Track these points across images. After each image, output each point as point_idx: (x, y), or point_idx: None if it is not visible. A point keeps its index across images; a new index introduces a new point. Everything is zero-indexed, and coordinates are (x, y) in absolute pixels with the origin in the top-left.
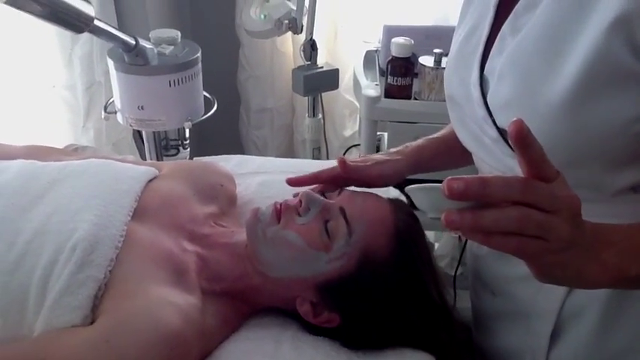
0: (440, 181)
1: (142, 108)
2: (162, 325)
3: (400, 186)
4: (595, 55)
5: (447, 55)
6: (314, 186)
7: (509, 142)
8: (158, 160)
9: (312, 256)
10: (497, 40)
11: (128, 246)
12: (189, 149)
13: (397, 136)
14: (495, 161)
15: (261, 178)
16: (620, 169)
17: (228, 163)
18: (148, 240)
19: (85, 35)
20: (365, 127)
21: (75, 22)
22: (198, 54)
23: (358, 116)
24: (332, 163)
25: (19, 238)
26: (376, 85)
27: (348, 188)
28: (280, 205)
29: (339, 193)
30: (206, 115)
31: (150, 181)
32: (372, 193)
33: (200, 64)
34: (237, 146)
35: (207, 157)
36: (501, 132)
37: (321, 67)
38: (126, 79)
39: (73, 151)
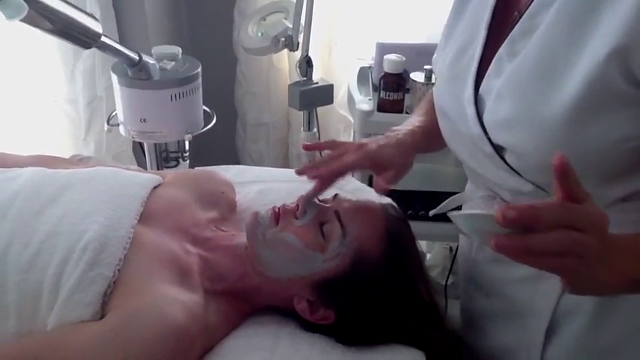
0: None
1: (144, 121)
2: (169, 320)
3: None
4: (591, 81)
5: None
6: (310, 191)
7: (554, 173)
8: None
9: (308, 257)
10: (494, 62)
11: (135, 247)
12: (188, 161)
13: None
14: (489, 173)
15: (259, 186)
16: (612, 182)
17: (227, 172)
18: (154, 242)
19: (88, 51)
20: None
21: (83, 39)
22: (199, 69)
23: (352, 131)
24: None
25: (33, 239)
26: (369, 99)
27: (342, 195)
28: (279, 209)
29: (333, 198)
30: (205, 128)
31: (155, 188)
32: (365, 199)
33: (200, 79)
34: (233, 159)
35: (207, 167)
36: (496, 148)
37: (317, 83)
38: (129, 92)
39: (79, 161)
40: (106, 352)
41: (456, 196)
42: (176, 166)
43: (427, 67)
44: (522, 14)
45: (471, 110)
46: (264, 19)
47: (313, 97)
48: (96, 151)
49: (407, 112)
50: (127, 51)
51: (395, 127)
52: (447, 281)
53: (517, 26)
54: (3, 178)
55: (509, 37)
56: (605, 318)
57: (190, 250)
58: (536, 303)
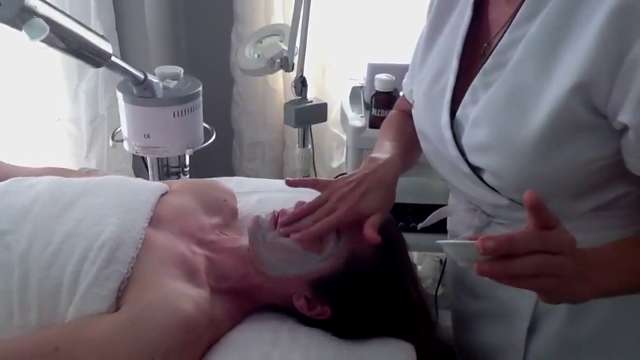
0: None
1: (148, 136)
2: (179, 312)
3: None
4: (558, 111)
5: None
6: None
7: (526, 207)
8: None
9: (306, 257)
10: (469, 92)
11: (146, 247)
12: (188, 175)
13: None
14: (468, 190)
15: (259, 196)
16: (582, 198)
17: (228, 183)
18: (163, 243)
19: (92, 71)
20: (352, 156)
21: (95, 58)
22: (200, 88)
23: (345, 149)
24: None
25: (53, 239)
26: (361, 117)
27: None
28: (278, 213)
29: None
30: (206, 144)
31: (162, 195)
32: None
33: (201, 98)
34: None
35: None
36: (473, 168)
37: (311, 102)
38: (133, 110)
39: (87, 173)
40: (123, 339)
41: (441, 209)
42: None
43: None
44: (493, 47)
45: (448, 135)
46: (261, 42)
47: (308, 114)
48: (97, 167)
49: None
50: (133, 70)
51: (374, 156)
52: (436, 292)
53: (489, 60)
54: (22, 186)
55: (482, 69)
56: (581, 314)
57: (197, 252)
58: (518, 303)
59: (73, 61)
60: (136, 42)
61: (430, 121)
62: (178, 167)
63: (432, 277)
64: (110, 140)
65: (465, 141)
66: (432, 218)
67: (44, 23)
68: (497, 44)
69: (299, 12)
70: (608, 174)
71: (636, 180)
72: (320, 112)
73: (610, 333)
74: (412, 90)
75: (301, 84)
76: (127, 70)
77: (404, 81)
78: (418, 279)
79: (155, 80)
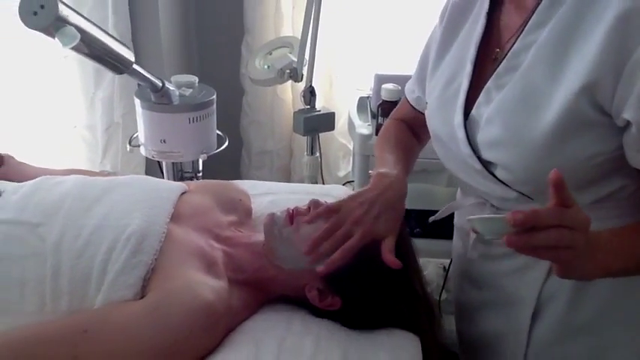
0: None
1: (164, 141)
2: (200, 299)
3: None
4: (566, 110)
5: None
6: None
7: (550, 185)
8: None
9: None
10: (484, 93)
11: (168, 241)
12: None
13: None
14: (478, 184)
15: (271, 197)
16: (584, 190)
17: (242, 185)
18: (184, 237)
19: (108, 80)
20: (358, 163)
21: (118, 65)
22: (214, 96)
23: (351, 157)
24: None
25: (83, 231)
26: (368, 125)
27: None
28: (292, 210)
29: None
30: (219, 149)
31: (182, 194)
32: None
33: (215, 105)
34: None
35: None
36: (484, 164)
37: (319, 111)
38: (151, 116)
39: (108, 174)
40: (148, 322)
41: (450, 203)
42: None
43: None
44: (506, 52)
45: (461, 134)
46: (271, 54)
47: (316, 123)
48: None
49: None
50: (152, 77)
51: (383, 172)
52: (440, 297)
53: (503, 63)
54: (51, 183)
55: (496, 72)
56: (581, 300)
57: (215, 246)
58: (522, 292)
59: (90, 71)
60: (151, 52)
61: (443, 122)
62: (192, 172)
63: (435, 282)
64: (127, 145)
65: (479, 138)
66: (443, 212)
67: (76, 31)
68: (509, 49)
69: (308, 25)
70: (607, 168)
71: (632, 174)
72: (328, 121)
73: (608, 317)
74: (418, 96)
75: (310, 94)
76: (147, 77)
77: (407, 87)
78: (423, 274)
79: (172, 88)
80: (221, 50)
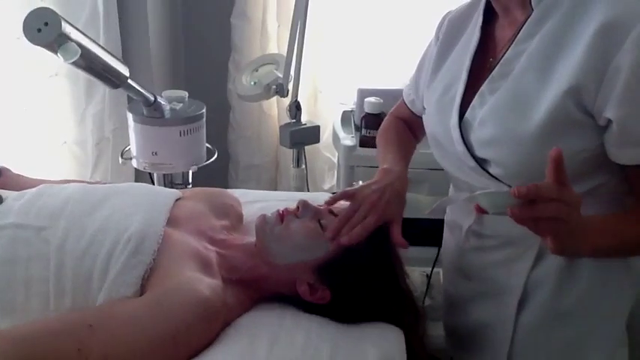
0: None
1: (156, 154)
2: (198, 294)
3: None
4: (554, 110)
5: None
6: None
7: (551, 161)
8: None
9: (307, 246)
10: (478, 96)
11: (166, 243)
12: None
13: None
14: (472, 180)
15: (261, 204)
16: (572, 183)
17: (233, 193)
18: (180, 240)
19: (99, 96)
20: (343, 173)
21: (114, 80)
22: (204, 110)
23: (336, 170)
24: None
25: (86, 233)
26: (352, 137)
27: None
28: (282, 210)
29: (325, 203)
30: (208, 161)
31: (177, 200)
32: None
33: (204, 119)
34: None
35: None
36: (478, 162)
37: (305, 124)
38: (143, 129)
39: (104, 183)
40: (150, 316)
41: (444, 198)
42: None
43: None
44: (498, 60)
45: (456, 134)
46: (257, 70)
47: (302, 136)
48: None
49: None
50: (145, 92)
51: (387, 168)
52: (423, 303)
53: (496, 69)
54: (53, 190)
55: (489, 77)
56: (564, 288)
57: (209, 248)
58: (510, 281)
59: (81, 88)
60: (140, 70)
61: (440, 124)
62: (182, 184)
63: (419, 290)
64: (120, 158)
65: (473, 137)
66: (438, 205)
67: (77, 47)
68: (502, 57)
69: (293, 42)
70: (591, 164)
71: (613, 171)
72: (313, 133)
73: (589, 305)
74: (413, 99)
75: (296, 108)
76: (140, 91)
77: (405, 91)
78: (405, 271)
79: (163, 102)
80: (209, 68)
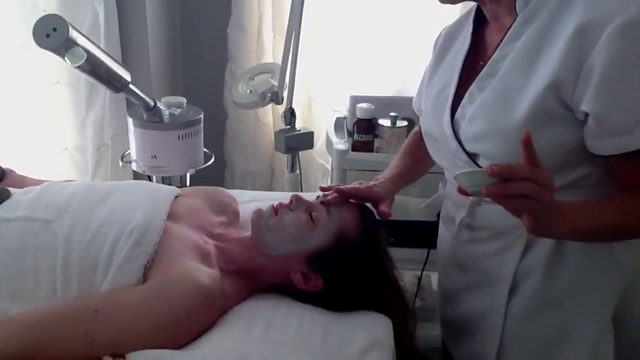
0: None
1: (155, 157)
2: (197, 281)
3: None
4: (537, 105)
5: (402, 118)
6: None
7: (522, 143)
8: None
9: (301, 236)
10: (468, 95)
11: (166, 235)
12: None
13: None
14: None
15: (256, 203)
16: (554, 175)
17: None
18: (180, 233)
19: (99, 103)
20: (336, 177)
21: (116, 84)
22: (201, 115)
23: (329, 176)
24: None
25: (91, 226)
26: (345, 142)
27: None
28: (277, 205)
29: (317, 197)
30: (206, 164)
31: (176, 197)
32: None
33: (202, 124)
34: None
35: None
36: (470, 156)
37: (299, 130)
38: (143, 133)
39: None
40: (153, 302)
41: (440, 193)
42: None
43: (392, 114)
44: (486, 62)
45: (449, 131)
46: (253, 79)
47: (296, 142)
48: None
49: (376, 152)
50: (146, 97)
51: (379, 177)
52: (414, 303)
53: (484, 70)
54: (59, 186)
55: (478, 77)
56: (552, 276)
57: (208, 241)
58: (501, 270)
59: (82, 95)
60: (139, 79)
61: (435, 123)
62: (180, 187)
63: (410, 291)
64: (120, 162)
65: (463, 133)
66: (433, 200)
67: (83, 51)
68: (489, 59)
69: (288, 52)
70: (573, 156)
71: (595, 163)
72: (307, 139)
73: (576, 292)
74: (418, 107)
75: (290, 115)
76: (141, 96)
77: (413, 100)
78: (393, 261)
79: (162, 107)
80: (206, 77)
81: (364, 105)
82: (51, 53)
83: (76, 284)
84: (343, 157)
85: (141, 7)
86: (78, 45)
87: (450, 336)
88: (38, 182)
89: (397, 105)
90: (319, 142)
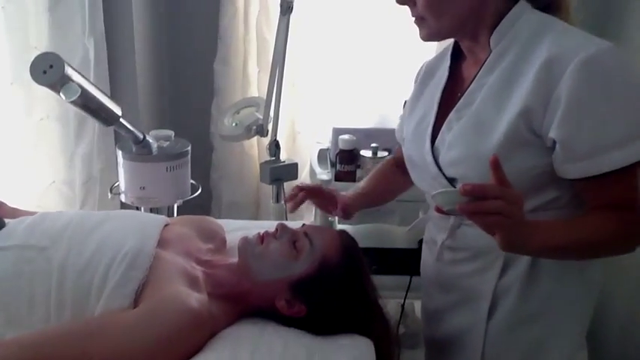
0: None
1: (144, 188)
2: (186, 305)
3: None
4: (509, 132)
5: (382, 149)
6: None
7: (490, 166)
8: None
9: (285, 264)
10: (446, 123)
11: (157, 261)
12: None
13: None
14: None
15: (243, 232)
16: (526, 198)
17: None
18: (170, 259)
19: (88, 137)
20: None
21: (107, 118)
22: (189, 147)
23: (313, 208)
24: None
25: (85, 251)
26: (328, 172)
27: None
28: (263, 233)
29: (302, 226)
30: (193, 195)
31: (165, 225)
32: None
33: (189, 156)
34: None
35: None
36: (449, 180)
37: (284, 162)
38: (131, 165)
39: None
40: (145, 324)
41: (423, 217)
42: None
43: (373, 145)
44: (463, 93)
45: (429, 157)
46: (238, 112)
47: (281, 173)
48: None
49: (358, 181)
50: (135, 130)
51: (343, 193)
52: (397, 330)
53: (461, 100)
54: (53, 216)
55: (455, 107)
56: (528, 294)
57: (196, 267)
58: (481, 289)
59: (71, 130)
60: (129, 112)
61: (416, 150)
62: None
63: (394, 318)
64: (109, 193)
65: (442, 159)
66: (417, 224)
67: (77, 87)
68: (466, 90)
69: (273, 86)
70: (544, 179)
71: (563, 186)
72: (292, 170)
73: (551, 309)
74: (400, 137)
75: (275, 146)
76: (131, 129)
77: (396, 130)
78: (375, 287)
79: (151, 140)
80: (192, 111)
81: (346, 136)
82: (40, 88)
83: (70, 308)
84: (326, 186)
85: (129, 44)
86: (73, 81)
87: (434, 356)
88: (30, 213)
89: (378, 136)
90: (303, 172)
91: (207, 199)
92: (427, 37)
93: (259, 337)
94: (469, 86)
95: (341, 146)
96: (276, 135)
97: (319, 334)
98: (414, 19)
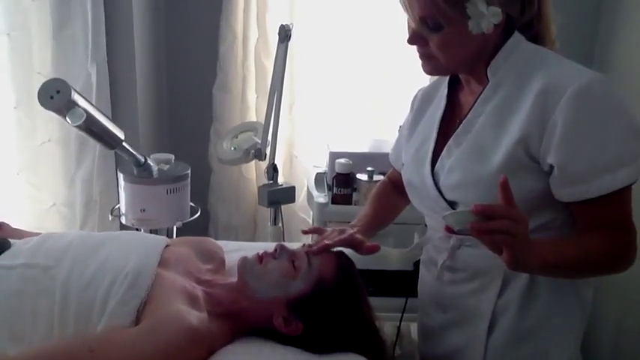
0: None
1: (144, 210)
2: (186, 322)
3: None
4: (508, 157)
5: (378, 172)
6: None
7: (499, 187)
8: None
9: (283, 282)
10: (446, 149)
11: (158, 280)
12: None
13: None
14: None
15: (240, 253)
16: None
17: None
18: (170, 279)
19: (89, 160)
20: None
21: (110, 142)
22: (188, 171)
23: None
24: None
25: (88, 270)
26: (325, 195)
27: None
28: (262, 253)
29: (302, 246)
30: (192, 217)
31: (166, 246)
32: None
33: (189, 179)
34: None
35: None
36: (449, 203)
37: (281, 185)
38: (132, 188)
39: None
40: (146, 340)
41: (422, 238)
42: None
43: (369, 168)
44: (462, 120)
45: (429, 181)
46: (237, 137)
47: (279, 196)
48: None
49: (354, 204)
50: (137, 154)
51: (354, 223)
52: (394, 352)
53: (460, 127)
54: (56, 236)
55: (455, 134)
56: (526, 311)
57: (196, 287)
58: (481, 308)
59: (72, 154)
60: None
61: (416, 174)
62: None
63: (390, 340)
64: (110, 215)
65: (442, 183)
66: (417, 245)
67: (83, 112)
68: (465, 117)
69: (271, 111)
70: (541, 202)
71: (559, 209)
72: (289, 193)
73: (549, 325)
74: (394, 160)
75: (273, 170)
76: (132, 153)
77: (390, 156)
78: (371, 307)
79: (152, 164)
80: (192, 134)
81: (342, 160)
82: (42, 112)
83: (73, 325)
84: (323, 209)
85: (131, 69)
86: (78, 106)
87: None
88: (34, 234)
89: (374, 160)
90: (301, 196)
91: (206, 221)
92: (433, 72)
93: (257, 354)
94: (467, 114)
95: (337, 170)
96: (273, 159)
97: (316, 352)
98: (419, 54)
